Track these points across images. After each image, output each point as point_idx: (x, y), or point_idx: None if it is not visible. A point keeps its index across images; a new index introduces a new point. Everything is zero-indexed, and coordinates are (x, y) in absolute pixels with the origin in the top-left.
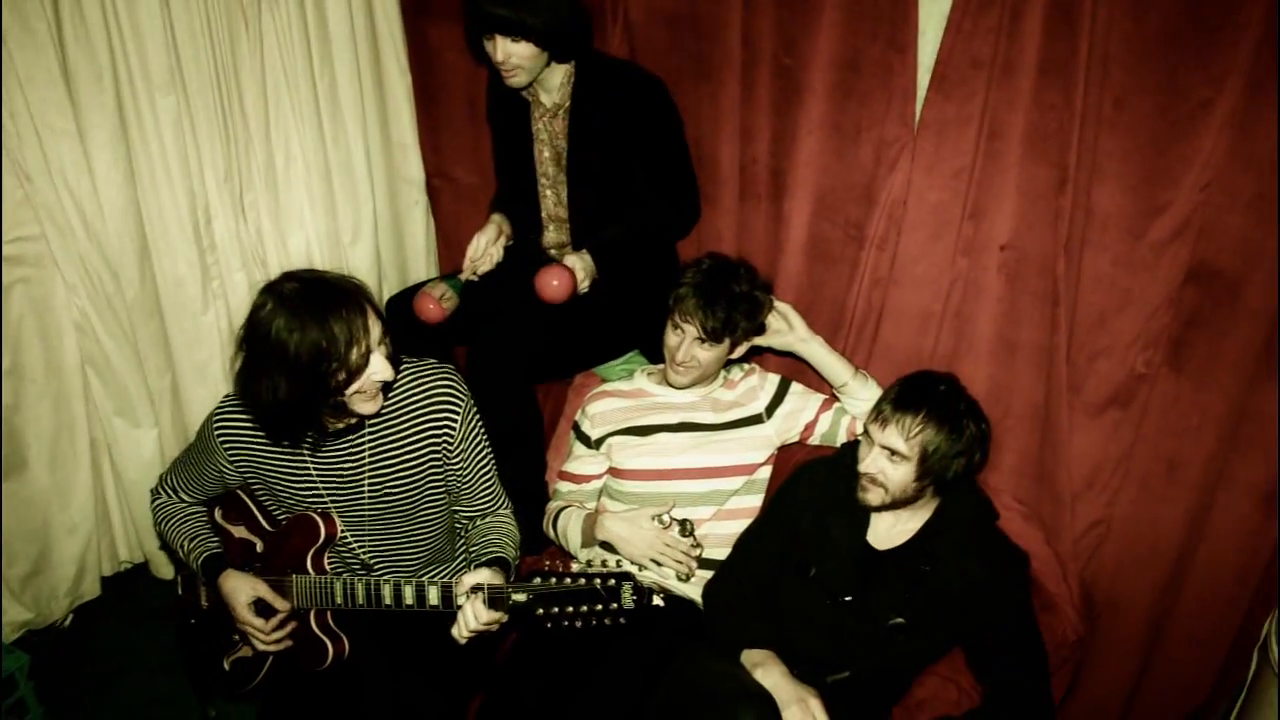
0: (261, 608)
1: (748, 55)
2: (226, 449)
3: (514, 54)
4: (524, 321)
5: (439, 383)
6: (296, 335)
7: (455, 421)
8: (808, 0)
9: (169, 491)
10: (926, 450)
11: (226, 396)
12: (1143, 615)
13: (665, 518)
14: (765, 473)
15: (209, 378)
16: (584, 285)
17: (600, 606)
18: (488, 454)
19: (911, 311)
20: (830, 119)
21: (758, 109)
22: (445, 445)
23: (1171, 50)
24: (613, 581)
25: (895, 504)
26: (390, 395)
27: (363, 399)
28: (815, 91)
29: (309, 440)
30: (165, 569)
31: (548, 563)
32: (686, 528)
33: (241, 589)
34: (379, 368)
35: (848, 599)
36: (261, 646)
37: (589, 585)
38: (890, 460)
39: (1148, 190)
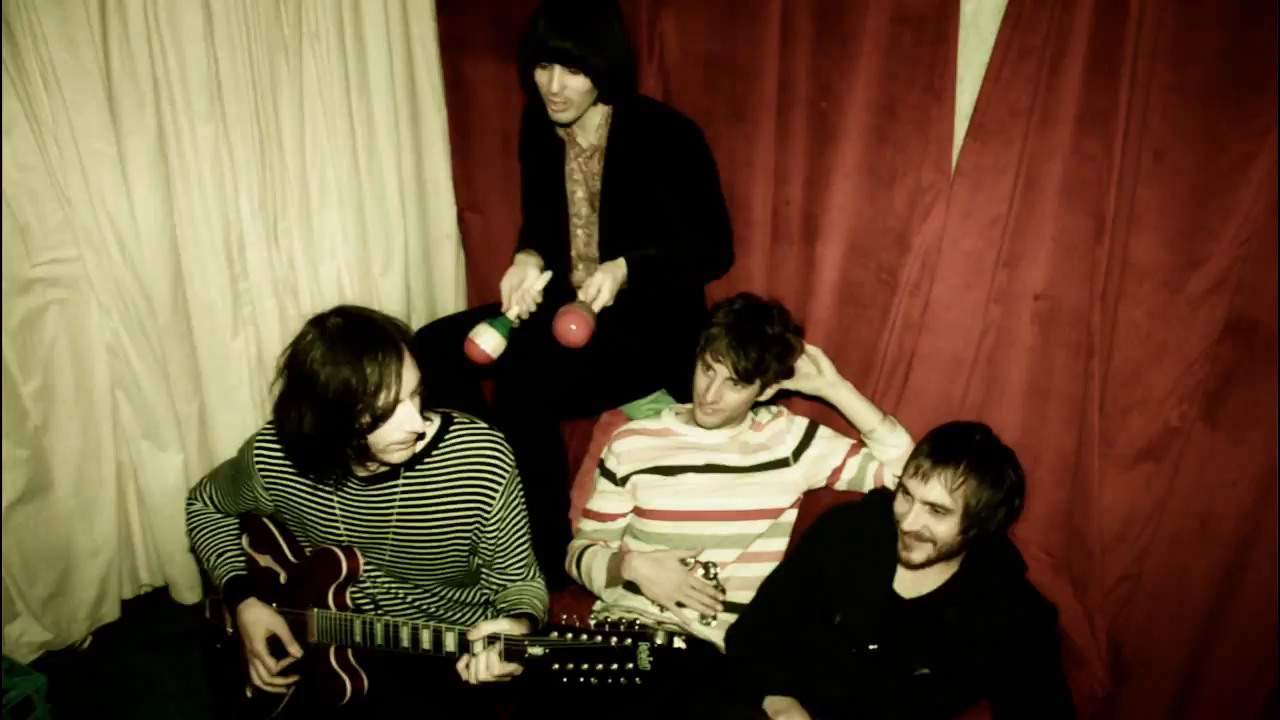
0: (275, 646)
1: (784, 98)
2: (261, 474)
3: (569, 86)
4: (553, 360)
5: (486, 449)
6: (328, 369)
7: (495, 492)
8: (845, 45)
9: (205, 500)
10: (970, 503)
11: (269, 423)
12: (1173, 673)
13: (690, 560)
14: (791, 516)
15: (237, 404)
16: (607, 296)
17: (616, 666)
18: (524, 526)
19: (942, 358)
20: (865, 163)
21: (792, 152)
22: (481, 514)
23: (1213, 104)
24: (629, 641)
25: (940, 559)
26: (434, 450)
27: (393, 448)
28: (850, 135)
29: (335, 480)
30: (186, 594)
31: (564, 617)
32: (710, 571)
33: (261, 622)
34: (406, 418)
35: (872, 648)
36: (260, 683)
37: (605, 644)
38: (934, 515)
39: (1186, 243)
